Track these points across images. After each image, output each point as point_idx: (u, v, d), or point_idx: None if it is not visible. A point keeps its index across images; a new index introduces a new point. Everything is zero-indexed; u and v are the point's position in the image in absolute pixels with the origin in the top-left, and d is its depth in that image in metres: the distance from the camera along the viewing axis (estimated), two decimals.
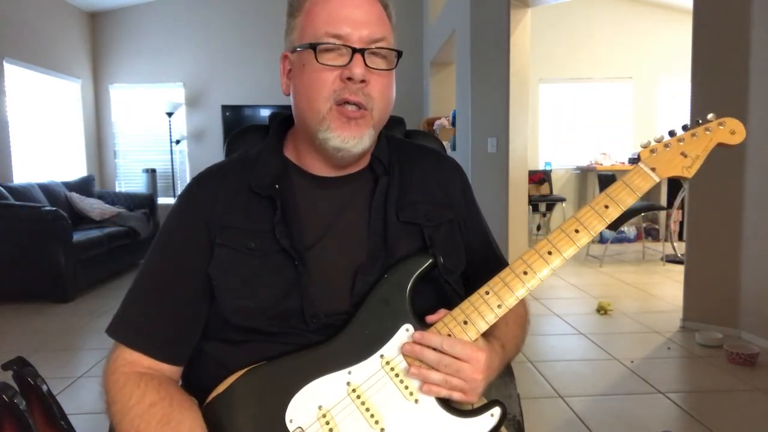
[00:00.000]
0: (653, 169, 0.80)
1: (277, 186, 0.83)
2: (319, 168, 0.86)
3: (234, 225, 0.81)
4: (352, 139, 0.79)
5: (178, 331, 0.80)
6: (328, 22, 0.77)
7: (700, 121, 0.82)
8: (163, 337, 0.79)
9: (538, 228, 6.58)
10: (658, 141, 0.82)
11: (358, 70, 0.76)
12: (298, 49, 0.80)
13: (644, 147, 0.81)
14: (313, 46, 0.77)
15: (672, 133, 0.82)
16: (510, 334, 0.86)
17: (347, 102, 0.78)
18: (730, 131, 0.80)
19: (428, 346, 0.74)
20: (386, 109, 0.83)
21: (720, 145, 0.81)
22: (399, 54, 0.82)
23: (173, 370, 0.80)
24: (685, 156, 0.80)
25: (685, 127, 0.83)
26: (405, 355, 0.75)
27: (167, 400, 0.73)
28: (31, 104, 5.38)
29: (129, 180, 6.70)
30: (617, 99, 6.66)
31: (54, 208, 4.09)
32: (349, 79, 0.77)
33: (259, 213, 0.82)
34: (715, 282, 3.06)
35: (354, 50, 0.77)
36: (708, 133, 0.81)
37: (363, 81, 0.77)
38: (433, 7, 6.02)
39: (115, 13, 6.45)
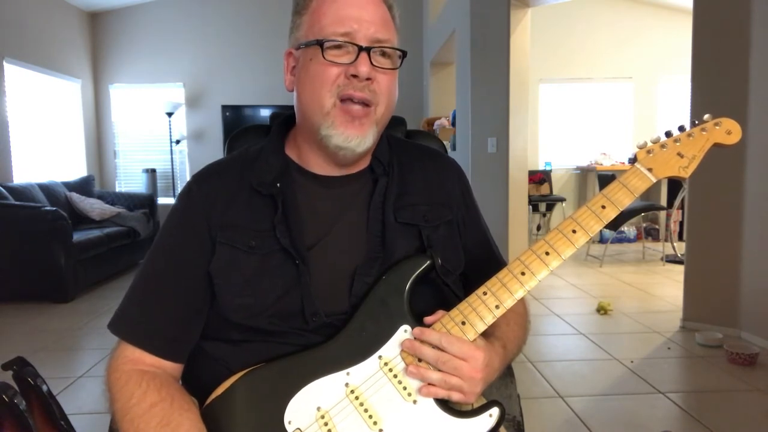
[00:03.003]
0: (650, 170, 0.80)
1: (278, 184, 0.83)
2: (320, 167, 0.86)
3: (235, 223, 0.81)
4: (356, 138, 0.80)
5: (179, 329, 0.81)
6: (335, 20, 0.78)
7: (697, 122, 0.83)
8: (164, 334, 0.80)
9: (538, 228, 6.58)
10: (655, 142, 0.82)
11: (363, 68, 0.77)
12: (304, 45, 0.81)
13: (641, 148, 0.82)
14: (321, 42, 0.78)
15: (668, 134, 0.82)
16: (511, 335, 0.86)
17: (351, 99, 0.79)
18: (726, 131, 0.81)
19: (428, 343, 0.74)
20: (389, 108, 0.84)
21: (716, 145, 0.81)
22: (403, 54, 0.83)
23: (174, 368, 0.81)
24: (682, 156, 0.80)
25: (681, 128, 0.83)
26: (404, 353, 0.76)
27: (168, 401, 0.73)
28: (31, 104, 5.38)
29: (129, 180, 6.70)
30: (617, 99, 6.65)
31: (54, 208, 4.09)
32: (354, 76, 0.78)
33: (260, 211, 0.82)
34: (715, 282, 3.06)
35: (360, 48, 0.78)
36: (704, 133, 0.81)
37: (368, 79, 0.78)
38: (433, 7, 6.02)
39: (115, 13, 6.45)
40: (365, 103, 0.79)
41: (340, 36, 0.78)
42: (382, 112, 0.82)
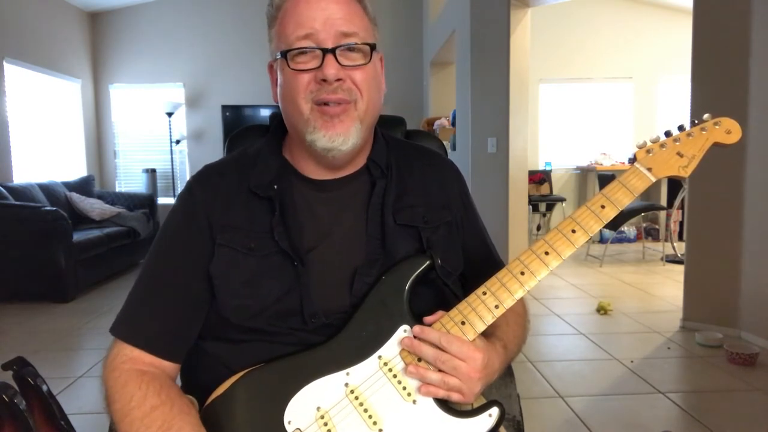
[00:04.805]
0: (649, 169, 0.80)
1: (275, 186, 0.83)
2: (314, 171, 0.86)
3: (234, 225, 0.81)
4: (339, 137, 0.79)
5: (179, 329, 0.81)
6: (297, 25, 0.78)
7: (696, 121, 0.83)
8: (164, 334, 0.80)
9: (538, 228, 6.58)
10: (654, 141, 0.82)
11: (330, 70, 0.76)
12: (277, 57, 0.81)
13: (640, 147, 0.82)
14: (284, 53, 0.78)
15: (668, 134, 0.82)
16: (511, 334, 0.86)
17: (325, 102, 0.78)
18: (726, 131, 0.81)
19: (426, 341, 0.74)
20: (373, 100, 0.82)
21: (716, 145, 0.81)
22: (372, 46, 0.81)
23: (173, 367, 0.81)
24: (682, 156, 0.80)
25: (681, 128, 0.83)
26: (403, 353, 0.76)
27: (168, 405, 0.73)
28: (31, 104, 5.38)
29: (129, 180, 6.71)
30: (617, 99, 6.65)
31: (54, 208, 4.09)
32: (324, 80, 0.77)
33: (259, 213, 0.82)
34: (715, 282, 3.06)
35: (325, 51, 0.77)
36: (704, 132, 0.81)
37: (339, 80, 0.77)
38: (433, 7, 6.02)
39: (115, 13, 6.45)
40: (342, 102, 0.79)
41: (302, 40, 0.77)
42: (364, 108, 0.80)
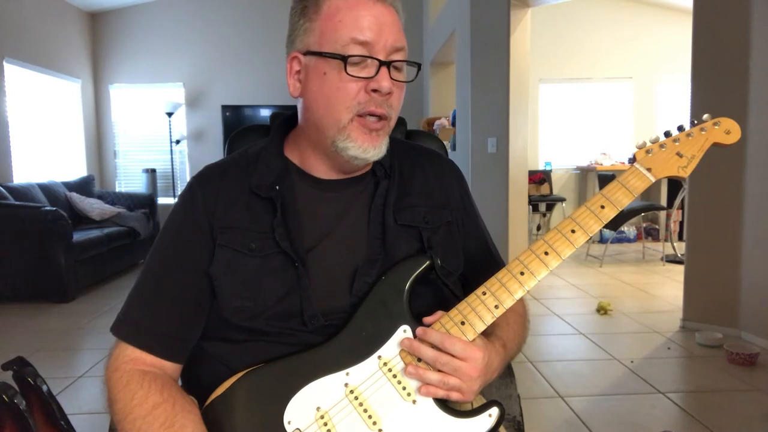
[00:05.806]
0: (649, 170, 0.80)
1: (277, 187, 0.83)
2: (322, 171, 0.86)
3: (235, 225, 0.81)
4: (372, 149, 0.80)
5: (180, 330, 0.81)
6: (354, 29, 0.76)
7: (696, 122, 0.83)
8: (166, 335, 0.80)
9: (538, 228, 6.58)
10: (654, 142, 0.82)
11: (386, 83, 0.77)
12: (318, 54, 0.78)
13: (639, 148, 0.82)
14: (344, 58, 0.76)
15: (667, 134, 0.83)
16: (511, 334, 0.86)
17: (371, 114, 0.78)
18: (725, 131, 0.81)
19: (427, 343, 0.74)
20: (396, 118, 0.85)
21: (715, 145, 0.81)
22: (419, 67, 0.83)
23: (174, 368, 0.81)
24: (681, 156, 0.80)
25: (680, 128, 0.83)
26: (403, 353, 0.76)
27: (170, 403, 0.73)
28: (31, 104, 5.38)
29: (129, 180, 6.71)
30: (617, 99, 6.65)
31: (54, 208, 4.09)
32: (375, 91, 0.77)
33: (260, 214, 0.82)
34: (715, 282, 3.06)
35: (381, 63, 0.77)
36: (703, 133, 0.81)
37: (389, 93, 0.78)
38: (433, 7, 6.02)
39: (115, 13, 6.45)
40: (382, 117, 0.80)
41: (358, 46, 0.76)
42: (393, 125, 0.83)
